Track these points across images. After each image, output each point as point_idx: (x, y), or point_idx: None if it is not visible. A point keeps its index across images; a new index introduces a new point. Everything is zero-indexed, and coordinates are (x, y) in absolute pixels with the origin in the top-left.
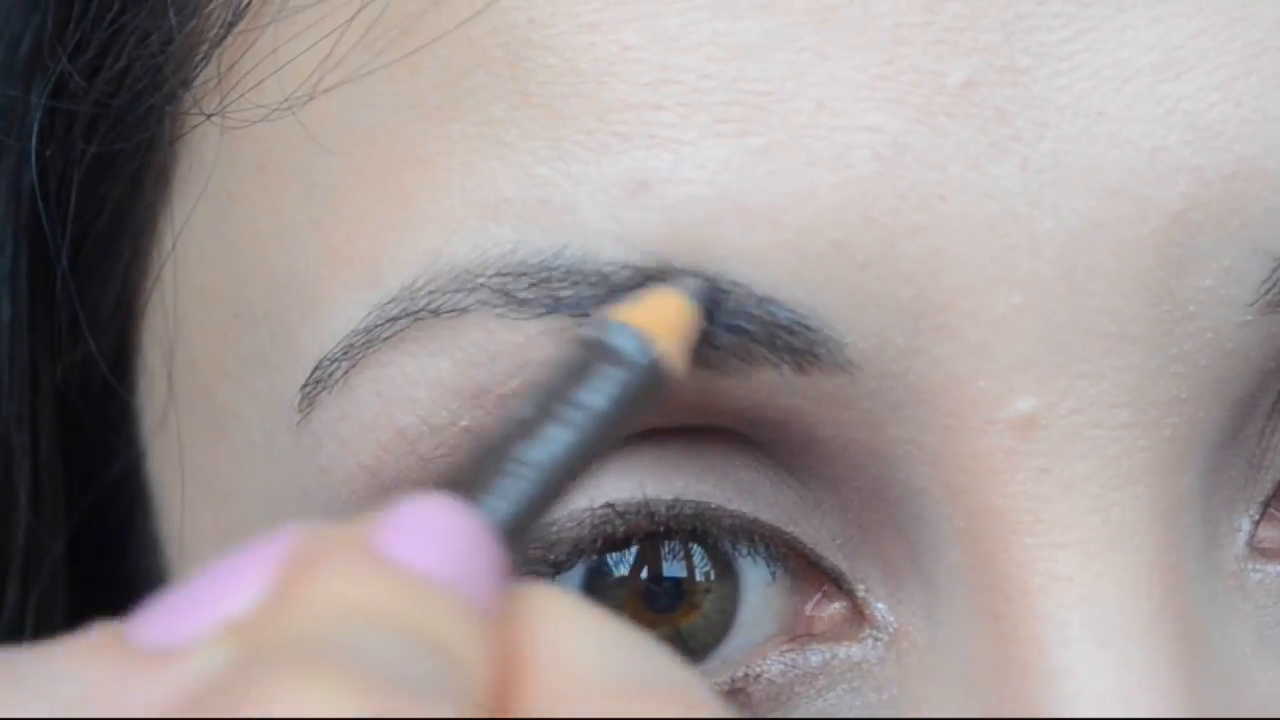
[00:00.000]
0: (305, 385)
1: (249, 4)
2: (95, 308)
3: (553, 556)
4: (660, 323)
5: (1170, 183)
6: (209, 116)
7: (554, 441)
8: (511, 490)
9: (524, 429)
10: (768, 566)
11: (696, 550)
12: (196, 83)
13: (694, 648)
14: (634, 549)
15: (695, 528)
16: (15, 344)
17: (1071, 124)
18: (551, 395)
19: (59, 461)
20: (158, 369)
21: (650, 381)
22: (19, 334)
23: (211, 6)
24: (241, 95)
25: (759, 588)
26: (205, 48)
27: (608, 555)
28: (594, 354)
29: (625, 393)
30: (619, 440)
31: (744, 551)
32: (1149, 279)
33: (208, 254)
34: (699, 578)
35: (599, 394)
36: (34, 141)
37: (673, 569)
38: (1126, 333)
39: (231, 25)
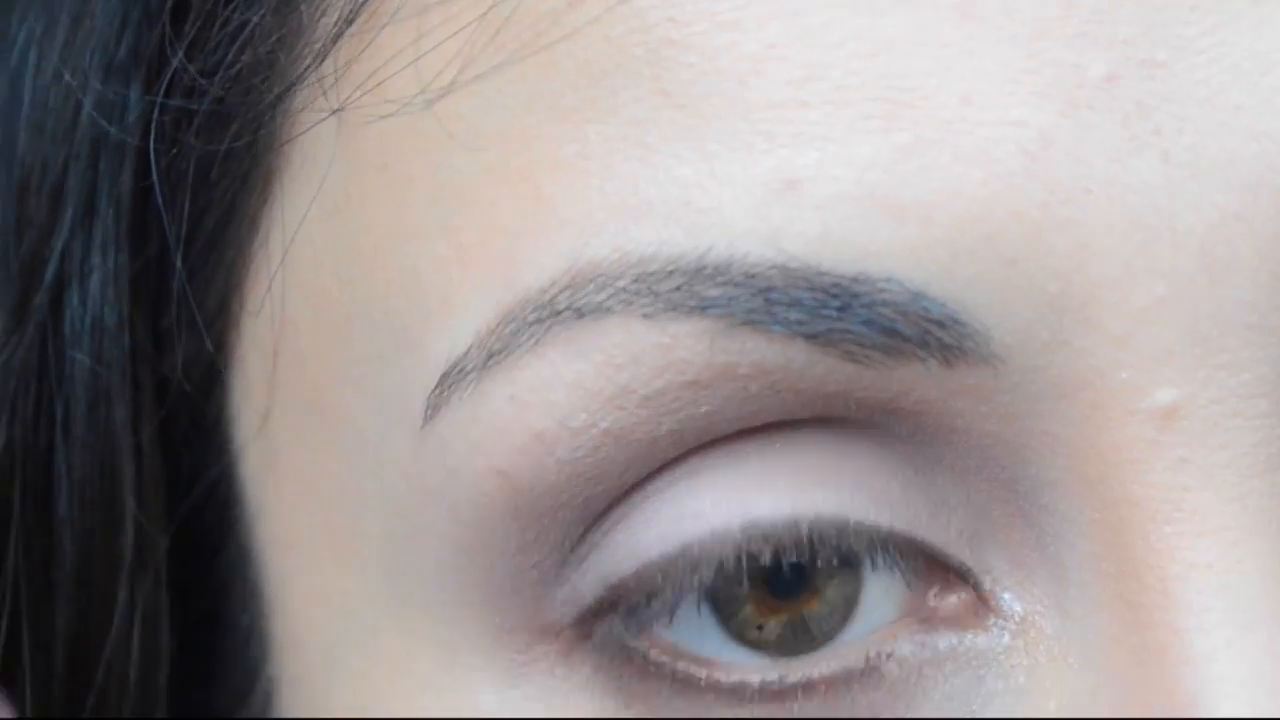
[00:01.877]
0: (435, 388)
1: (369, 1)
2: (199, 309)
3: (696, 579)
4: None
5: None
6: (335, 112)
7: None
8: None
9: None
10: (901, 575)
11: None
12: (311, 80)
13: (816, 634)
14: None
15: (836, 543)
16: (117, 346)
17: (1210, 117)
18: None
19: (161, 465)
20: (257, 372)
21: None
22: (121, 336)
23: (329, 2)
24: (366, 92)
25: (883, 573)
26: (322, 44)
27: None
28: None
29: None
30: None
31: (876, 561)
32: None
33: (321, 255)
34: (821, 564)
35: None
36: (151, 140)
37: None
38: (1266, 325)
39: (350, 21)
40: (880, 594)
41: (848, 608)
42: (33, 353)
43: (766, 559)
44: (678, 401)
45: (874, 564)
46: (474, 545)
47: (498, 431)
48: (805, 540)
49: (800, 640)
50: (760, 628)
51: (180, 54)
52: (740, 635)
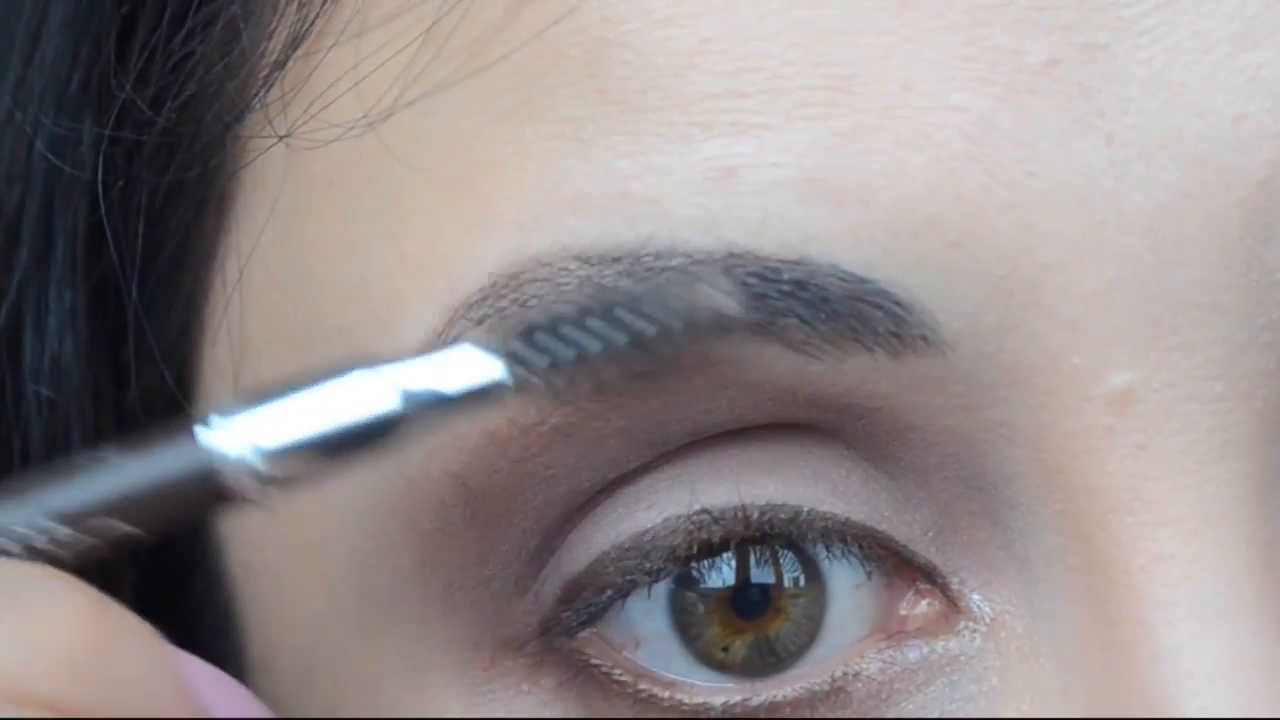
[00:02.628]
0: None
1: (312, 26)
2: (158, 339)
3: (649, 565)
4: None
5: (1254, 150)
6: (282, 139)
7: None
8: None
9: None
10: (862, 566)
11: (786, 556)
12: (259, 107)
13: (782, 654)
14: (729, 555)
15: (789, 532)
16: (76, 379)
17: (1153, 97)
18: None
19: None
20: (220, 398)
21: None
22: (80, 369)
23: (274, 29)
24: (312, 116)
25: (848, 590)
26: (267, 72)
27: (695, 564)
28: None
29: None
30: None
31: (836, 554)
32: (1237, 248)
33: (274, 276)
34: (787, 583)
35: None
36: (99, 173)
37: (761, 575)
38: (1217, 303)
39: (295, 47)
40: (848, 609)
41: (813, 627)
42: None
43: (717, 541)
44: (624, 395)
45: (830, 553)
46: (434, 558)
47: (452, 435)
48: (756, 525)
49: (766, 661)
50: (726, 649)
51: (127, 87)
52: (707, 657)
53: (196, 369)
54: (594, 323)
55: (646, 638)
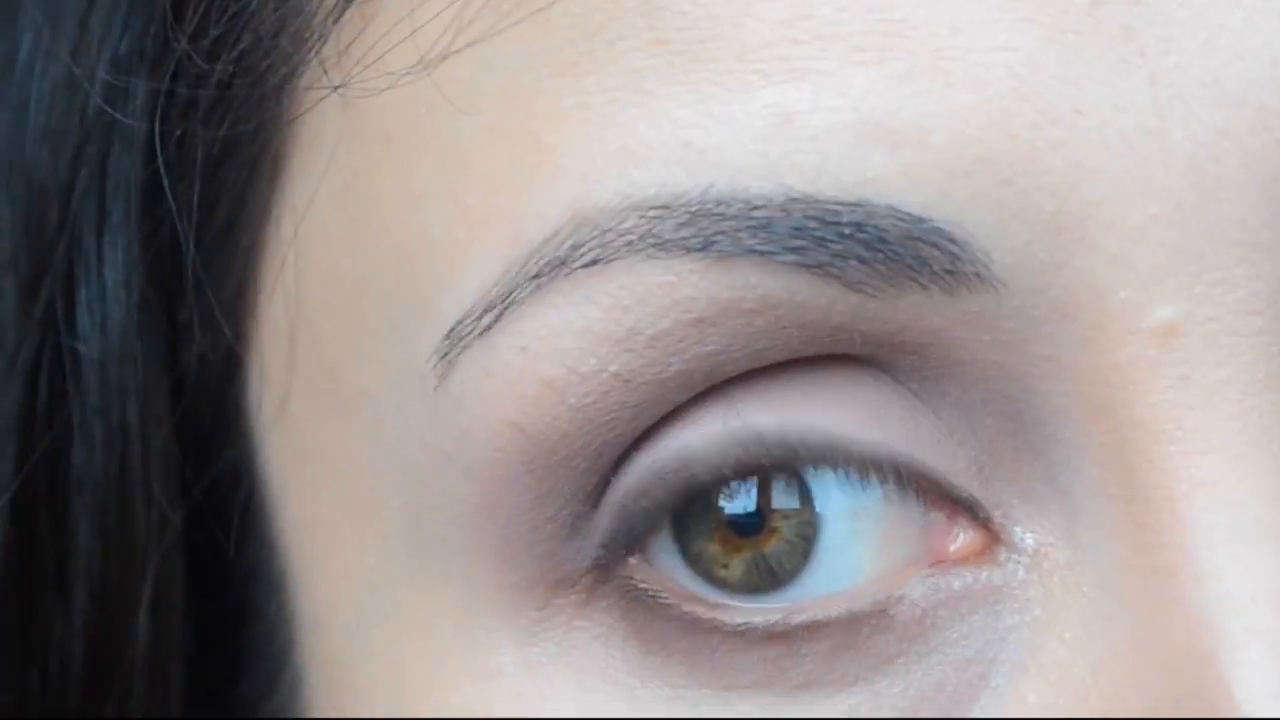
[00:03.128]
0: (442, 347)
1: None
2: (216, 298)
3: (690, 473)
4: None
5: None
6: (336, 89)
7: None
8: None
9: None
10: (900, 494)
11: (778, 481)
12: (314, 60)
13: (779, 572)
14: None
15: (826, 455)
16: (132, 340)
17: (1194, 37)
18: None
19: (175, 457)
20: (275, 357)
21: None
22: (135, 330)
23: None
24: (366, 66)
25: (844, 514)
26: (322, 23)
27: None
28: None
29: None
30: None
31: (849, 477)
32: (1276, 187)
33: (331, 233)
34: (777, 504)
35: None
36: (156, 128)
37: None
38: (1258, 241)
39: (350, 2)
40: (845, 534)
41: (806, 546)
42: (45, 349)
43: (757, 459)
44: (684, 341)
45: (871, 481)
46: (490, 503)
47: (509, 384)
48: (793, 449)
49: (764, 579)
50: (725, 566)
51: (184, 41)
52: (708, 575)
53: (252, 328)
54: None
55: (656, 557)
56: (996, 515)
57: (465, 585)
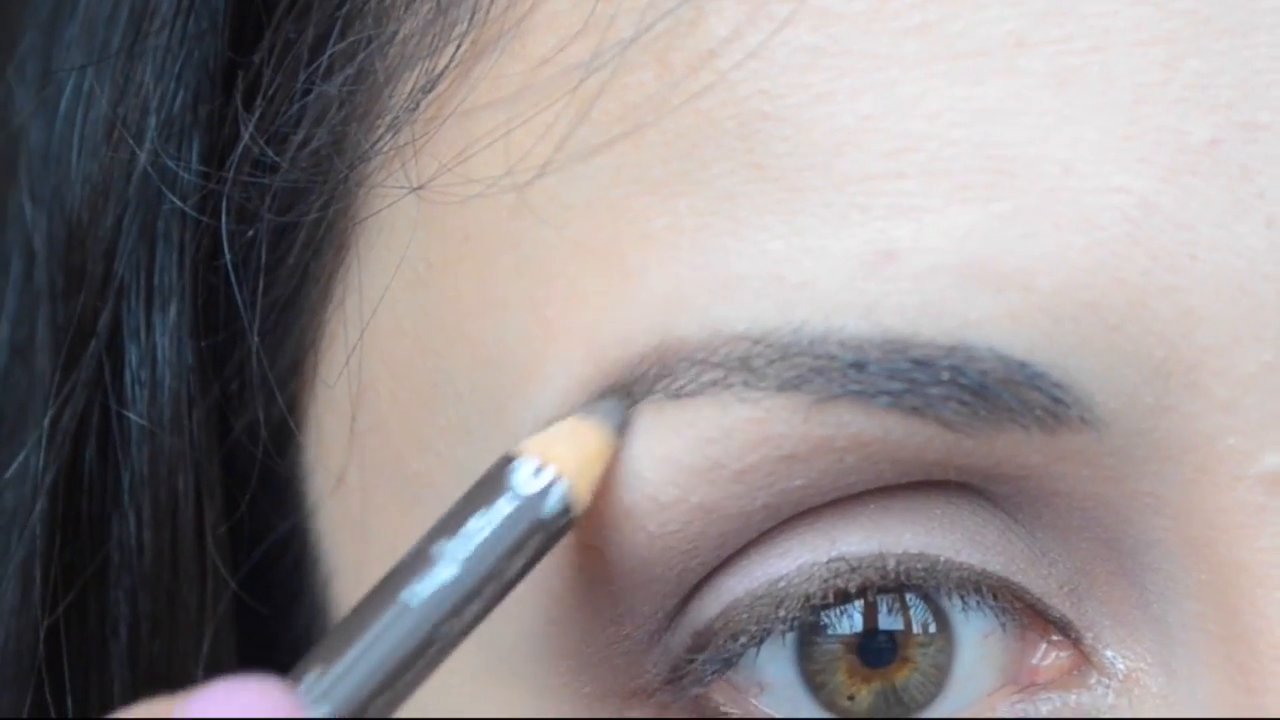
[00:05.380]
0: None
1: (443, 72)
2: (269, 373)
3: (782, 613)
4: (573, 455)
5: None
6: (415, 190)
7: (434, 579)
8: (369, 657)
9: (406, 564)
10: (996, 618)
11: (915, 603)
12: (387, 151)
13: (909, 703)
14: (858, 603)
15: (924, 581)
16: (182, 410)
17: None
18: (440, 529)
19: (224, 522)
20: (332, 435)
21: (550, 520)
22: (184, 400)
23: (406, 74)
24: (448, 170)
25: (977, 640)
26: (393, 117)
27: (825, 613)
28: (490, 489)
29: (515, 530)
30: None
31: (970, 604)
32: None
33: (402, 323)
34: (915, 630)
35: (487, 530)
36: (223, 214)
37: (889, 622)
38: None
39: (428, 90)
40: (977, 659)
41: (940, 676)
42: (92, 415)
43: (853, 590)
44: (772, 476)
45: (965, 603)
46: (566, 617)
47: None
48: (892, 575)
49: (893, 710)
50: (851, 698)
51: (249, 131)
52: (831, 705)
53: (308, 404)
54: None
55: (773, 684)
56: (1088, 636)
57: (538, 691)
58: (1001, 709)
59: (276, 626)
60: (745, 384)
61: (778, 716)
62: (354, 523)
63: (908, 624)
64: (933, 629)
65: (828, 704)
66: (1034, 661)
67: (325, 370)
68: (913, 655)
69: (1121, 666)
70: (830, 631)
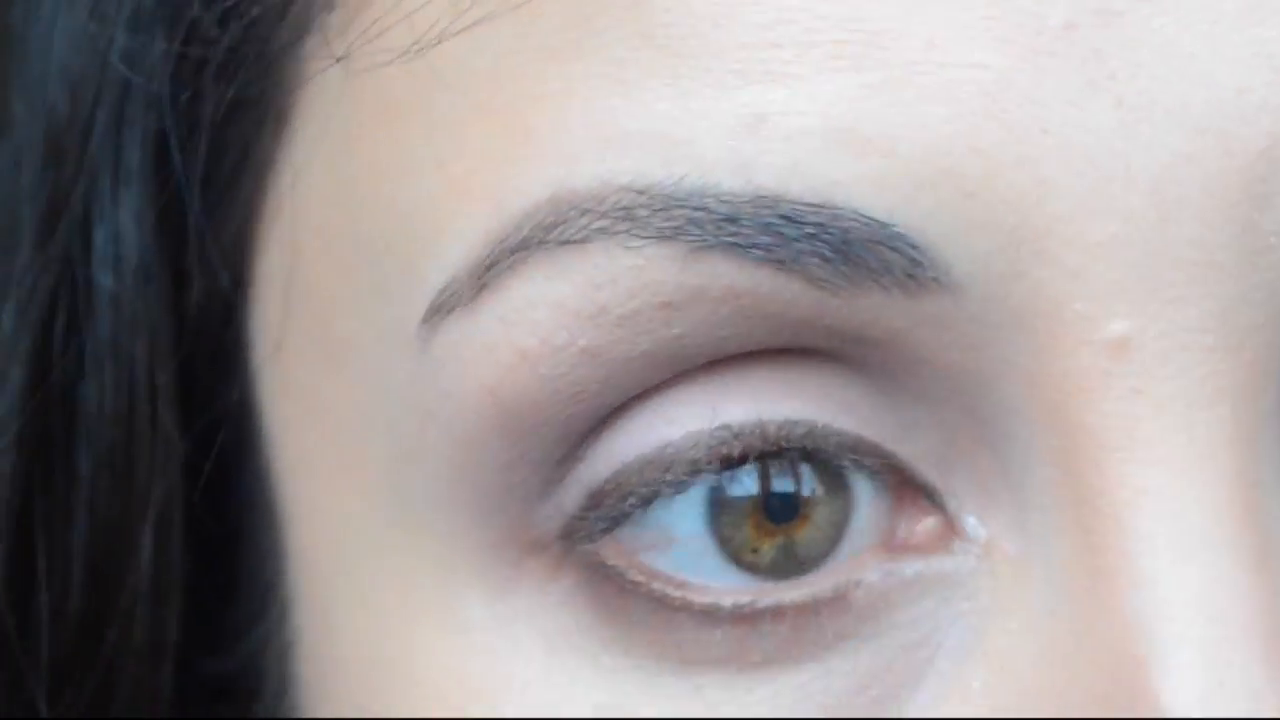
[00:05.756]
0: (429, 311)
1: None
2: (216, 244)
3: (670, 476)
4: None
5: (1254, 120)
6: (338, 60)
7: None
8: None
9: None
10: (870, 481)
11: (805, 468)
12: (320, 29)
13: (803, 558)
14: (752, 467)
15: (805, 446)
16: (141, 281)
17: (1163, 64)
18: None
19: (179, 391)
20: (271, 301)
21: None
22: (143, 272)
23: None
24: (369, 41)
25: (869, 500)
26: None
27: (721, 475)
28: None
29: None
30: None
31: (855, 466)
32: (1234, 212)
33: (328, 191)
34: (806, 493)
35: None
36: (169, 87)
37: (782, 485)
38: (1212, 261)
39: None
40: (866, 521)
41: (836, 534)
42: (63, 285)
43: (736, 455)
44: (651, 322)
45: (856, 466)
46: (466, 464)
47: (487, 350)
48: (772, 439)
49: (789, 564)
50: (755, 550)
51: (197, 5)
52: (737, 559)
53: (250, 274)
54: None
55: (680, 539)
56: (952, 503)
57: (442, 539)
58: (872, 567)
59: (230, 486)
60: (629, 232)
61: (666, 571)
62: (289, 386)
63: (798, 485)
64: (820, 491)
65: (734, 557)
66: (903, 526)
67: (267, 241)
68: (811, 513)
69: (983, 532)
70: (736, 492)
